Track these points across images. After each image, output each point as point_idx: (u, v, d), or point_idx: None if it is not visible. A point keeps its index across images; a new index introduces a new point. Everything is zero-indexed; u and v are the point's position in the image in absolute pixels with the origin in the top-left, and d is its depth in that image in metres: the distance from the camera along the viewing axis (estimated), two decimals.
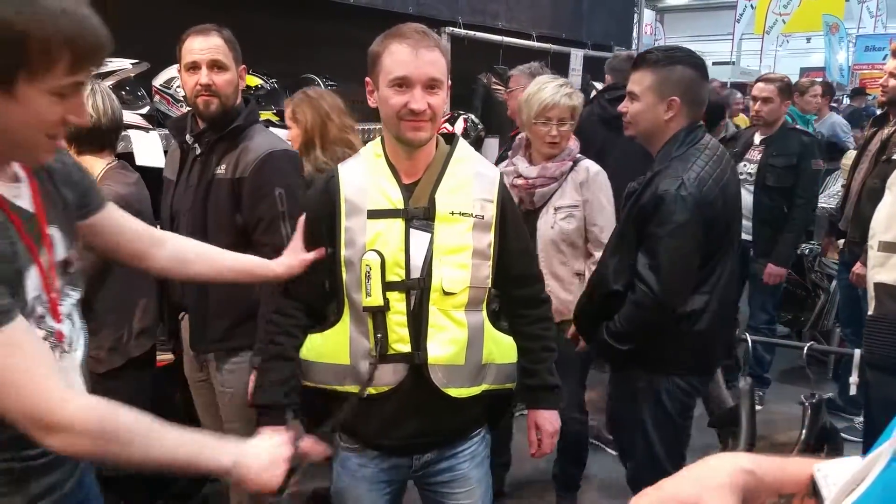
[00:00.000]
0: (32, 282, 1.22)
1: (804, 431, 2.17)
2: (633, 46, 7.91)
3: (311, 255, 1.80)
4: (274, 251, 2.10)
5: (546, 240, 2.79)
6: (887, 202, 2.01)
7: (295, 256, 1.81)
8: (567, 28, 6.42)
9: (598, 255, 2.62)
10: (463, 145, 1.84)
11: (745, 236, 3.96)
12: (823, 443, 2.25)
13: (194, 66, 2.26)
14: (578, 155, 2.85)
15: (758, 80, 4.13)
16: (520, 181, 2.81)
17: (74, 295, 1.37)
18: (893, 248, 1.89)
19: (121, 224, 1.59)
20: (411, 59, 1.63)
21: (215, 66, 2.26)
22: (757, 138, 4.12)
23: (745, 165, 4.06)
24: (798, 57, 18.73)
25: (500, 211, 1.78)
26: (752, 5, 12.57)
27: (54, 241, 1.30)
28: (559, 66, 5.95)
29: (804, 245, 5.00)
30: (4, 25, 1.08)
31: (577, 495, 3.21)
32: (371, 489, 1.88)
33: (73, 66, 1.14)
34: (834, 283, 4.38)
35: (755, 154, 4.08)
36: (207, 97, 2.26)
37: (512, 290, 1.93)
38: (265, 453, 1.33)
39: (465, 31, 5.00)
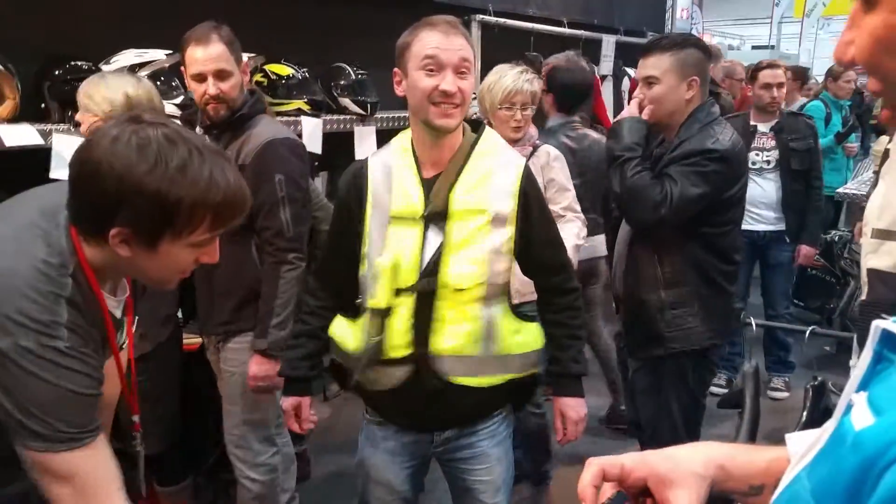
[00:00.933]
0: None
1: (805, 414, 2.19)
2: (667, 31, 7.82)
3: None
4: (274, 235, 2.24)
5: None
6: (881, 191, 2.05)
7: None
8: (599, 14, 6.38)
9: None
10: (488, 135, 1.86)
11: (767, 227, 3.99)
12: None
13: (200, 77, 2.34)
14: (538, 141, 2.94)
15: (763, 68, 4.00)
16: None
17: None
18: (885, 235, 1.92)
19: None
20: (442, 41, 1.68)
21: (220, 75, 2.33)
22: (763, 126, 4.04)
23: (757, 155, 4.01)
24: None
25: (521, 202, 1.80)
26: None
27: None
28: (591, 52, 5.93)
29: (833, 231, 4.97)
30: (160, 196, 1.19)
31: (549, 488, 3.22)
32: (393, 461, 1.95)
33: (214, 225, 1.27)
34: None
35: (766, 141, 4.02)
36: (216, 104, 2.35)
37: (538, 279, 1.99)
38: None
39: (496, 19, 5.01)
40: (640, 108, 2.42)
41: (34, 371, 1.23)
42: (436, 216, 1.75)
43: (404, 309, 1.75)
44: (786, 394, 4.22)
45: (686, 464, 0.81)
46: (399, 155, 1.83)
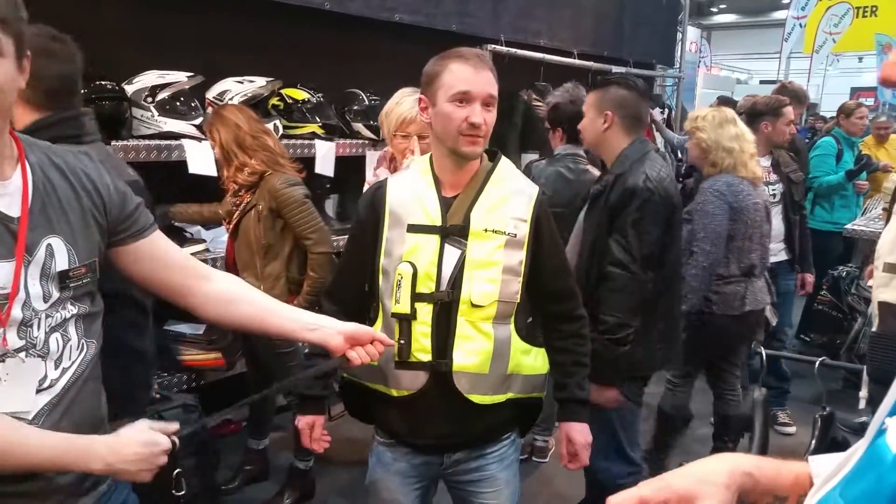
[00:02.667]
0: None
1: (813, 443, 2.21)
2: (676, 64, 7.91)
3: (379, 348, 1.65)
4: None
5: None
6: (893, 226, 2.09)
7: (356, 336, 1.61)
8: (609, 46, 6.46)
9: None
10: (504, 163, 1.93)
11: (773, 259, 3.99)
12: None
13: None
14: None
15: (787, 105, 3.95)
16: None
17: (73, 309, 1.34)
18: None
19: (168, 253, 1.50)
20: (473, 77, 1.75)
21: None
22: (765, 161, 3.93)
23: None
24: (849, 76, 18.42)
25: (534, 229, 1.86)
26: (801, 24, 12.39)
27: (53, 252, 1.29)
28: None
29: (841, 268, 4.97)
30: None
31: None
32: (403, 483, 1.97)
33: None
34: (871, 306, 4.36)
35: (768, 176, 3.94)
36: None
37: (546, 306, 2.02)
38: (141, 448, 1.29)
39: (507, 49, 5.09)
40: None
41: None
42: (455, 231, 1.80)
43: (426, 315, 1.80)
44: (793, 428, 4.22)
45: (709, 476, 0.81)
46: (419, 175, 1.89)
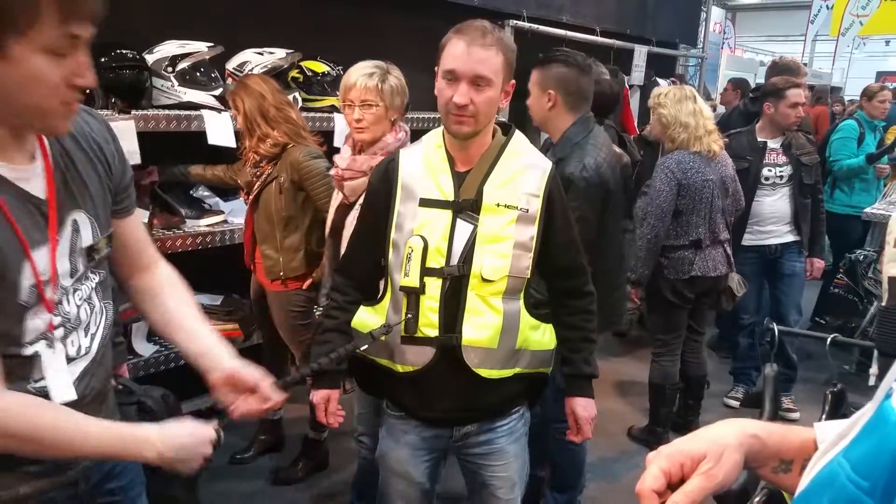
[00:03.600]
0: (26, 272, 1.18)
1: (823, 418, 2.21)
2: (700, 45, 7.82)
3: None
4: None
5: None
6: None
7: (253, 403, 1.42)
8: (632, 24, 6.40)
9: None
10: (518, 138, 1.91)
11: (779, 240, 4.01)
12: None
13: None
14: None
15: (791, 87, 3.91)
16: (332, 171, 2.69)
17: (95, 278, 1.34)
18: None
19: (133, 234, 1.49)
20: (461, 55, 1.72)
21: None
22: (773, 143, 3.98)
23: (770, 170, 3.97)
24: (876, 60, 18.13)
25: (545, 205, 1.85)
26: (827, 6, 12.20)
27: (79, 227, 1.27)
28: (623, 61, 5.96)
29: (858, 251, 4.93)
30: None
31: None
32: (413, 454, 2.00)
33: (63, 16, 1.06)
34: None
35: (777, 157, 3.98)
36: None
37: (556, 281, 2.03)
38: (188, 438, 1.29)
39: (529, 25, 5.05)
40: None
41: None
42: (467, 206, 1.80)
43: (434, 290, 1.79)
44: (797, 414, 4.22)
45: (720, 438, 0.83)
46: (432, 149, 1.88)
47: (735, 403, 4.35)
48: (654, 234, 3.42)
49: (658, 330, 3.69)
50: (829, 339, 2.31)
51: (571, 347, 2.03)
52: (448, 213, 1.80)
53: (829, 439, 0.73)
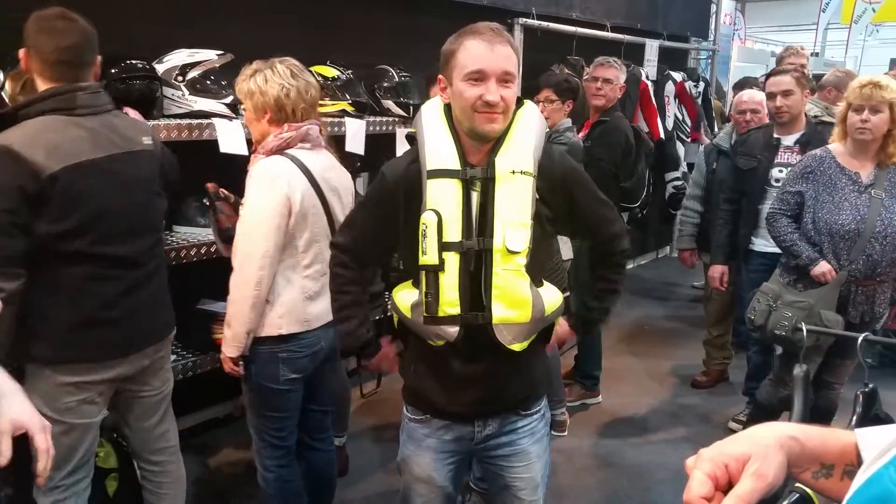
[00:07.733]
0: None
1: (854, 419, 2.17)
2: (711, 37, 7.76)
3: None
4: None
5: None
6: None
7: None
8: (642, 18, 6.35)
9: None
10: (530, 108, 1.87)
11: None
12: None
13: None
14: (273, 154, 2.42)
15: (768, 76, 3.74)
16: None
17: None
18: None
19: None
20: (487, 53, 1.70)
21: None
22: (788, 139, 3.69)
23: (780, 171, 3.63)
24: (890, 47, 17.91)
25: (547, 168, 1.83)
26: None
27: None
28: (634, 56, 5.91)
29: None
30: None
31: None
32: (435, 459, 1.98)
33: None
34: None
35: (791, 156, 3.64)
36: None
37: (591, 237, 2.04)
38: None
39: (539, 22, 5.02)
40: None
41: None
42: (478, 175, 1.75)
43: (453, 265, 1.75)
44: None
45: (761, 440, 0.80)
46: (437, 118, 1.84)
47: (738, 427, 3.86)
48: None
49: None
50: (860, 338, 2.25)
51: (597, 296, 2.08)
52: (457, 183, 1.75)
53: (873, 448, 0.69)
